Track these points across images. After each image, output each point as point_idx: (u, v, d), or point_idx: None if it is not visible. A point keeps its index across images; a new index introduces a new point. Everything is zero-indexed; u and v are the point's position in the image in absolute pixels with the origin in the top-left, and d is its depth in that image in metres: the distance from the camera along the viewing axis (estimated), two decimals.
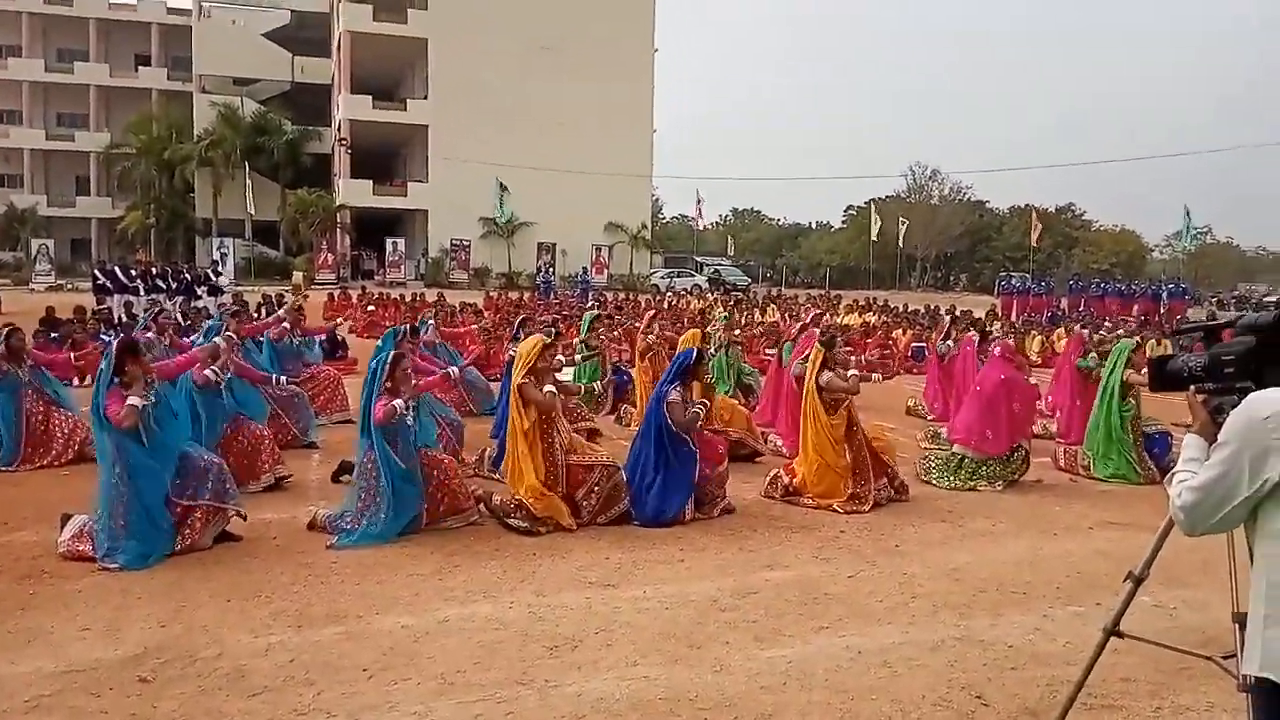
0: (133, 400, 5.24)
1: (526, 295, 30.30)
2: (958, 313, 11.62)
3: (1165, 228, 74.05)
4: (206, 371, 6.71)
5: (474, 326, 13.73)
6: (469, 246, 42.78)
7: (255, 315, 19.75)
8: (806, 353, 7.84)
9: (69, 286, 33.22)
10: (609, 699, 3.76)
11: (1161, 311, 28.66)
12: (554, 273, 37.60)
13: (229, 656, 4.08)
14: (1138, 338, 10.18)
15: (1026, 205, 57.74)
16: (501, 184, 41.71)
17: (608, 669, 4.05)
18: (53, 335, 13.23)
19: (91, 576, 5.05)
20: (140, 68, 54.24)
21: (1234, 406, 2.16)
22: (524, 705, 3.70)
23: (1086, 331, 11.93)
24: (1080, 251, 56.95)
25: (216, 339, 7.24)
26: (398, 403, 5.87)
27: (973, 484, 7.61)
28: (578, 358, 10.51)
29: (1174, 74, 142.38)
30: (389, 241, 42.21)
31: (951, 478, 7.70)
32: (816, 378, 6.94)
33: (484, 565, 5.39)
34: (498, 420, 8.16)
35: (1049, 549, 6.01)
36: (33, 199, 50.55)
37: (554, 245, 42.78)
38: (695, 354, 6.85)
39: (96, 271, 21.47)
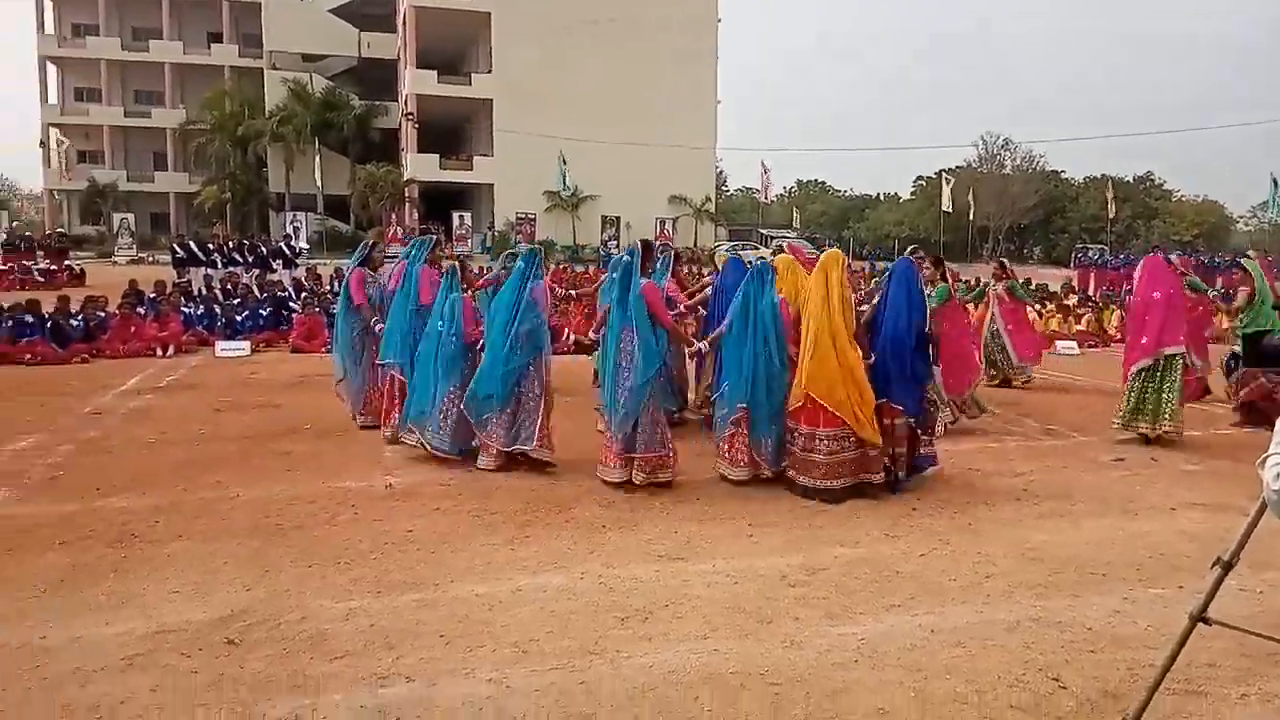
0: None
1: (592, 269, 30.36)
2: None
3: (1251, 199, 71.04)
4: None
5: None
6: (534, 220, 43.01)
7: (330, 287, 20.22)
8: None
9: (149, 260, 34.23)
10: (680, 671, 3.79)
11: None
12: (618, 246, 37.62)
13: (311, 620, 4.20)
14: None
15: (1103, 175, 56.02)
16: (563, 157, 41.79)
17: (678, 641, 4.08)
18: (138, 308, 13.67)
19: (179, 542, 5.24)
20: (212, 45, 55.33)
21: None
22: (596, 675, 3.75)
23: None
24: (1160, 223, 55.08)
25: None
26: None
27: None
28: None
29: (1259, 36, 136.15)
30: (455, 215, 42.64)
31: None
32: None
33: (555, 536, 5.46)
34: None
35: (1130, 529, 5.87)
36: (113, 174, 52.13)
37: (618, 218, 42.82)
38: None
39: (175, 245, 22.06)
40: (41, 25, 54.74)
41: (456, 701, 3.50)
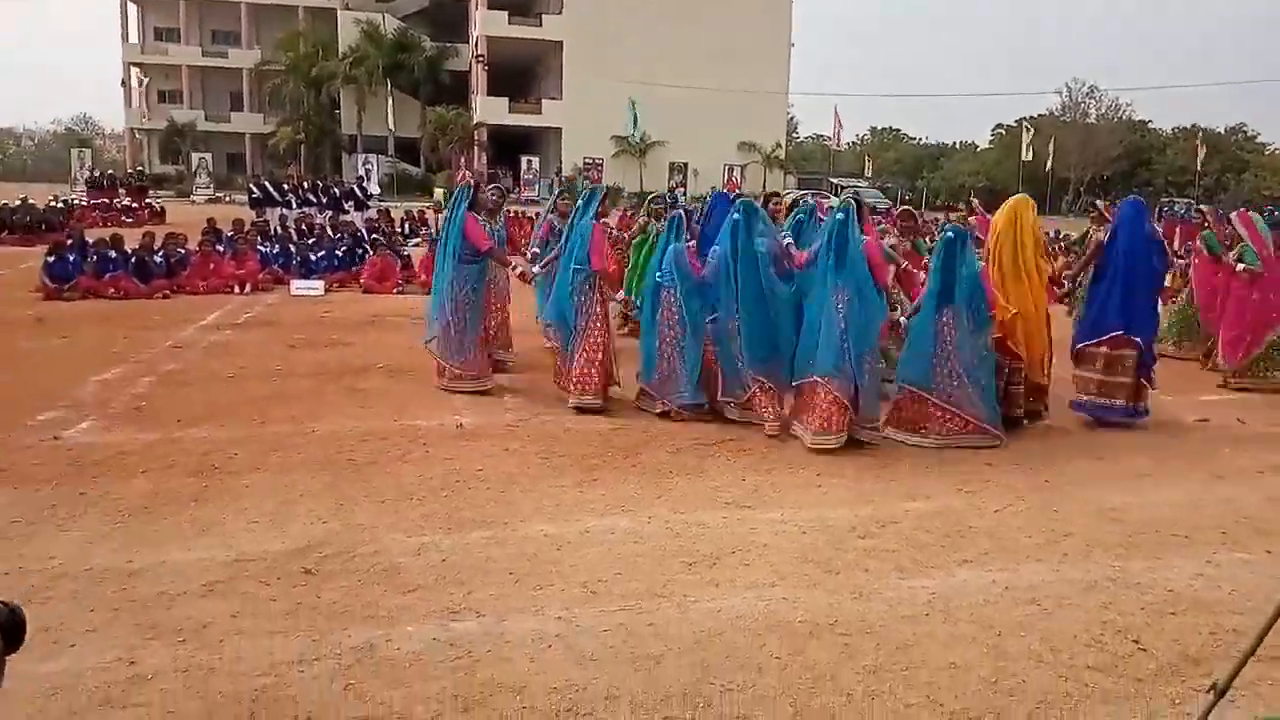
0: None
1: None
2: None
3: None
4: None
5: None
6: (601, 165, 42.79)
7: (400, 229, 20.39)
8: None
9: (226, 199, 34.94)
10: (747, 617, 3.78)
11: None
12: (685, 193, 37.29)
13: (385, 554, 4.28)
14: None
15: (1193, 125, 53.64)
16: (634, 102, 41.35)
17: (746, 588, 4.07)
18: (216, 246, 13.96)
19: (257, 473, 5.37)
20: None
21: None
22: (664, 617, 3.76)
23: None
24: (1251, 176, 52.63)
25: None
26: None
27: None
28: None
29: None
30: (524, 159, 42.63)
31: None
32: None
33: (622, 480, 5.47)
34: None
35: (1215, 492, 5.67)
36: (191, 114, 53.17)
37: (685, 165, 42.36)
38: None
39: (251, 185, 22.45)
40: None
41: (526, 638, 3.54)
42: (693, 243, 7.05)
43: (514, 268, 8.06)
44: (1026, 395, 6.96)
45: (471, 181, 8.05)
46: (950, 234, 6.58)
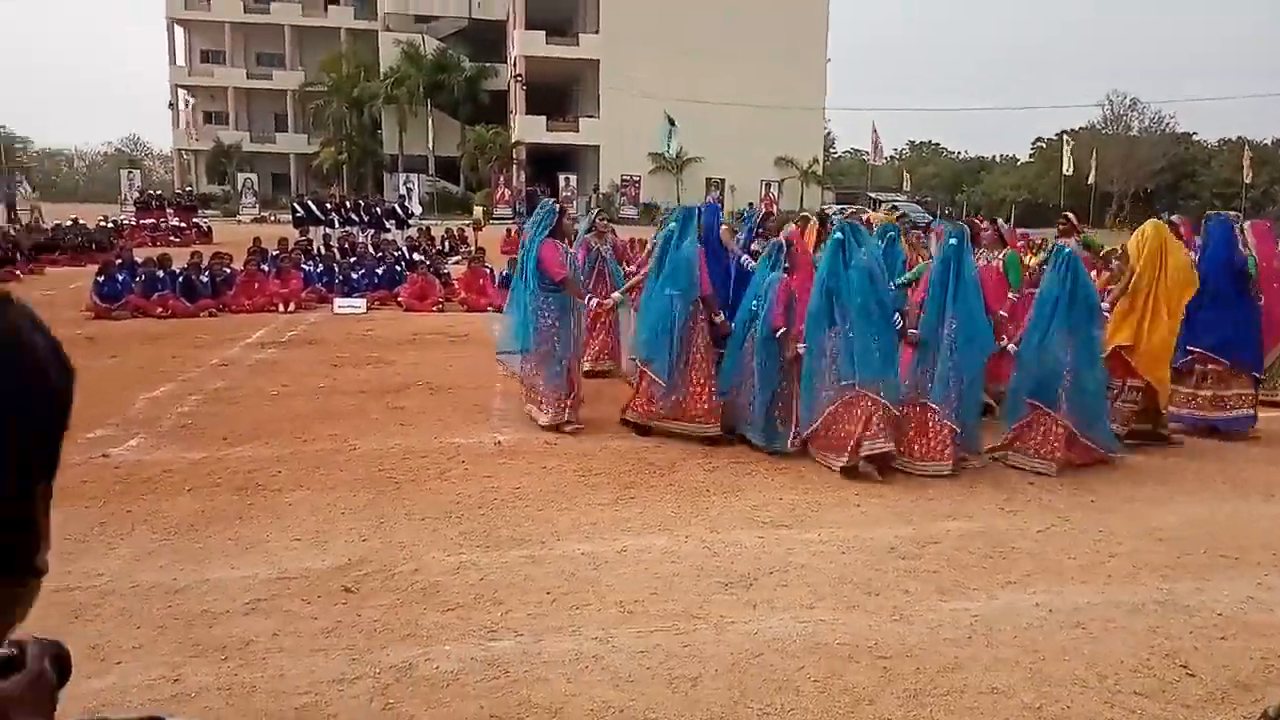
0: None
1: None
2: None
3: None
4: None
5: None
6: (639, 182, 43.00)
7: (441, 248, 20.62)
8: None
9: (271, 219, 35.56)
10: (785, 639, 3.76)
11: None
12: (722, 208, 37.29)
13: (424, 572, 4.32)
14: None
15: (1239, 138, 52.64)
16: (670, 119, 41.52)
17: (784, 609, 4.05)
18: (262, 265, 14.21)
19: (299, 491, 5.44)
20: (329, 7, 56.63)
21: None
22: (700, 639, 3.75)
23: None
24: None
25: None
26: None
27: None
28: None
29: None
30: (561, 177, 42.90)
31: None
32: None
33: (659, 499, 5.46)
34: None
35: (1265, 511, 5.54)
36: (237, 135, 54.17)
37: (722, 181, 42.37)
38: None
39: (295, 204, 22.85)
40: None
41: (563, 658, 3.55)
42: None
43: (589, 302, 7.58)
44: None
45: (556, 206, 7.41)
46: (1067, 252, 6.54)
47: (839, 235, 6.32)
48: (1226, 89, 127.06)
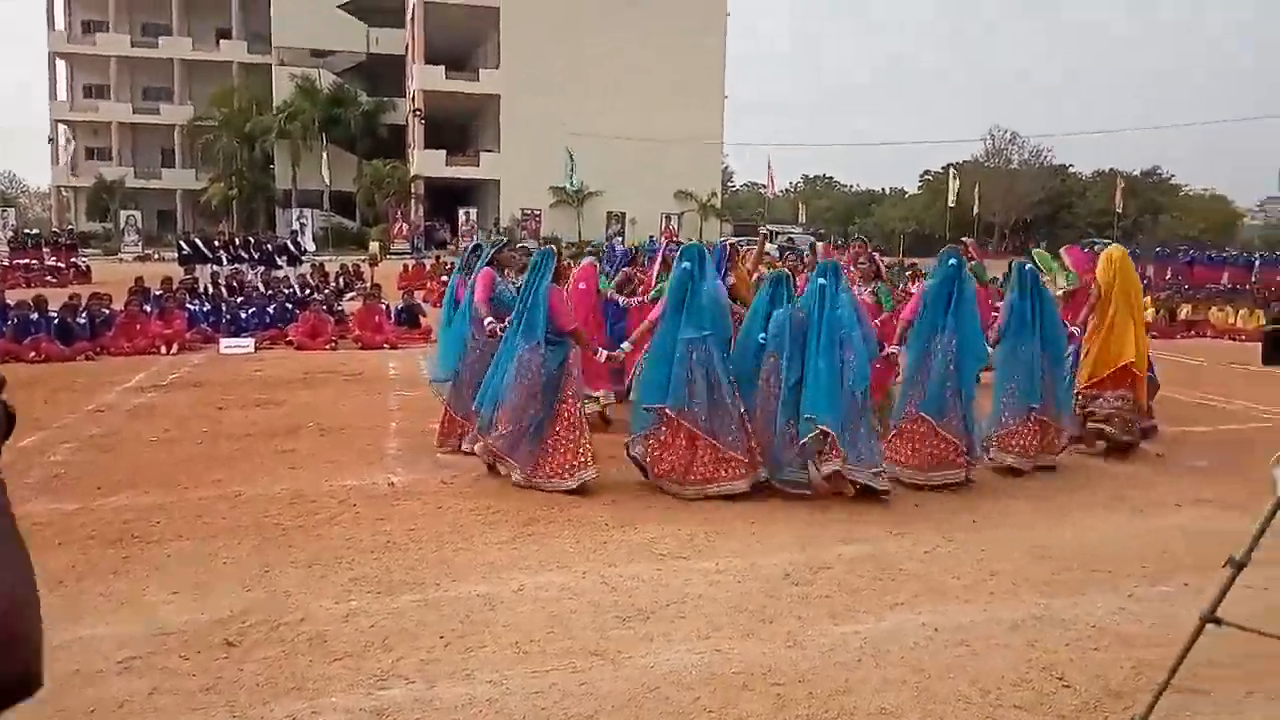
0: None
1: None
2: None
3: (1259, 193, 70.63)
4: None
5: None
6: (539, 216, 43.03)
7: (335, 284, 20.20)
8: None
9: (156, 256, 34.33)
10: (681, 670, 3.76)
11: (1253, 280, 27.38)
12: (623, 241, 37.60)
13: (311, 621, 4.18)
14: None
15: (1111, 170, 55.75)
16: (570, 154, 41.77)
17: (680, 641, 4.06)
18: (144, 306, 13.67)
19: (179, 541, 5.22)
20: (221, 41, 55.37)
21: None
22: (597, 675, 3.72)
23: None
24: (1168, 218, 54.81)
25: None
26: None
27: None
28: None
29: (1267, 32, 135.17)
30: (461, 211, 42.65)
31: None
32: None
33: (558, 535, 5.43)
34: None
35: (1136, 526, 5.83)
36: (121, 171, 52.21)
37: (623, 214, 42.79)
38: None
39: (181, 242, 22.11)
40: (52, 21, 54.81)
41: (455, 703, 3.48)
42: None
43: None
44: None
45: (552, 248, 6.93)
46: (1028, 266, 7.50)
47: (821, 281, 6.31)
48: (1097, 123, 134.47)
